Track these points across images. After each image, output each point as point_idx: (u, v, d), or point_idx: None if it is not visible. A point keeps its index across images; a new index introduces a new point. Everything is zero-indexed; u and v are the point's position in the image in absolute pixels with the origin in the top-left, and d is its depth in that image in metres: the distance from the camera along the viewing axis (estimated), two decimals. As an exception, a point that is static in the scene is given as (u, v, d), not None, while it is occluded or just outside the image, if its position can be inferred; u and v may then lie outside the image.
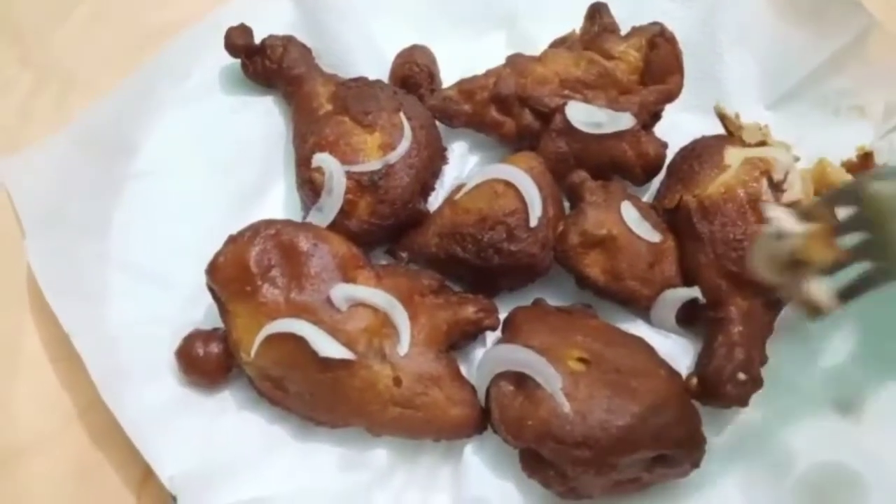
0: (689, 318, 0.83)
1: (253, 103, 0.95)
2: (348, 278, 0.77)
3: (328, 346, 0.73)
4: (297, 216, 0.86)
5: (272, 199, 0.91)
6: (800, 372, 0.80)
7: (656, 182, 0.90)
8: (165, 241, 0.85)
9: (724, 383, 0.75)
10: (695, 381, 0.77)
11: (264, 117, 0.94)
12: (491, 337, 0.83)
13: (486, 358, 0.77)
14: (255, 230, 0.77)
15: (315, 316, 0.75)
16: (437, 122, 0.90)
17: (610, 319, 0.82)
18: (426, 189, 0.90)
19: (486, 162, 0.91)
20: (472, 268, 0.85)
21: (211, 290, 0.78)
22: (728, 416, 0.79)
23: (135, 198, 0.88)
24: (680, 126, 0.90)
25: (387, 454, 0.77)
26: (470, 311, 0.80)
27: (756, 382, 0.76)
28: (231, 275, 0.76)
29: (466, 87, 0.90)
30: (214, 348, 0.78)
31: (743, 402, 0.76)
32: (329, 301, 0.76)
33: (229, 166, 0.91)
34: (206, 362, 0.78)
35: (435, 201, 0.89)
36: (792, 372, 0.80)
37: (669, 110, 0.90)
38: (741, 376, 0.75)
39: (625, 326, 0.82)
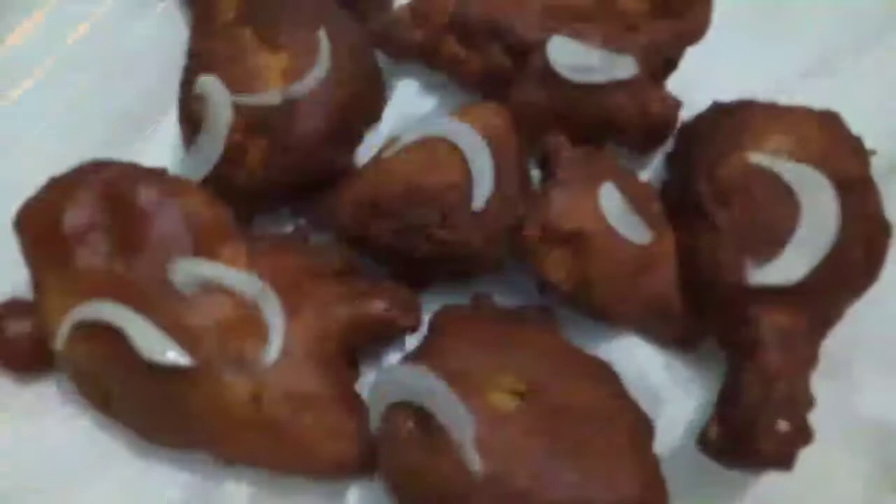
0: (693, 334, 0.65)
1: (151, 5, 0.79)
2: (205, 251, 0.58)
3: (155, 346, 0.55)
4: (184, 159, 0.70)
5: (160, 134, 0.74)
6: (836, 420, 0.63)
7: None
8: (6, 179, 0.67)
9: (758, 436, 0.56)
10: (714, 432, 0.59)
11: (162, 25, 0.78)
12: (413, 340, 0.66)
13: (379, 380, 0.59)
14: (81, 174, 0.59)
15: (146, 301, 0.56)
16: (380, 53, 0.74)
17: (577, 329, 0.66)
18: (350, 137, 0.70)
19: (440, 111, 0.75)
20: (395, 252, 0.66)
21: (22, 249, 0.59)
22: (731, 486, 0.62)
23: (-29, 117, 0.74)
24: (704, 80, 0.73)
25: (247, 489, 0.62)
26: (379, 306, 0.62)
27: (803, 434, 0.57)
28: (40, 231, 0.58)
29: (421, 9, 0.72)
30: (26, 327, 0.60)
31: (786, 462, 0.57)
32: (170, 282, 0.56)
33: (108, 86, 0.75)
34: (15, 344, 0.61)
35: (368, 154, 0.71)
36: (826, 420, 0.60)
37: (691, 57, 0.71)
38: (783, 426, 0.56)
39: (594, 344, 0.66)
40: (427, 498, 0.53)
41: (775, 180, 0.61)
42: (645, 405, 0.60)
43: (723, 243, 0.61)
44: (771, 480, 0.61)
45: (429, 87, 0.76)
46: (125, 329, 0.55)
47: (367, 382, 0.63)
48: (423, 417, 0.55)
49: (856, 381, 0.65)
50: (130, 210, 0.58)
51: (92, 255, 0.57)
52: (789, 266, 0.58)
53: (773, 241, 0.60)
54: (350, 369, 0.62)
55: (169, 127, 0.74)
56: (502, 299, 0.67)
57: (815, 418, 0.59)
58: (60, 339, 0.57)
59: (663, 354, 0.66)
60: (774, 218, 0.60)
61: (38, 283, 0.59)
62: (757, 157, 0.62)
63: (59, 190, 0.58)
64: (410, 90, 0.76)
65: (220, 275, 0.57)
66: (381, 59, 0.74)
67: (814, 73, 0.77)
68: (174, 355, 0.55)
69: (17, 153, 0.72)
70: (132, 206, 0.58)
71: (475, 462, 0.52)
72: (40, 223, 0.58)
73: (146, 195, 0.58)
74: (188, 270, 0.57)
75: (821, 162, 0.62)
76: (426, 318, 0.65)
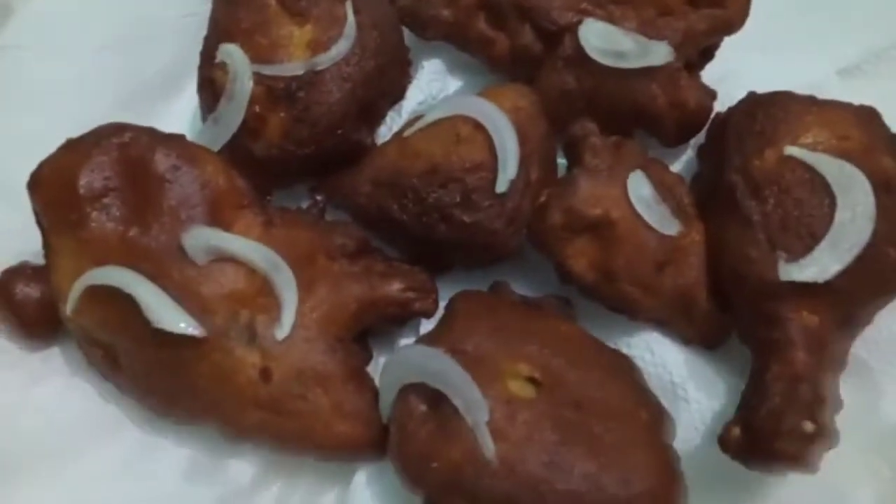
0: (717, 332, 0.63)
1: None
2: (220, 220, 0.57)
3: (166, 314, 0.54)
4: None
5: (180, 101, 0.75)
6: (859, 425, 0.60)
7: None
8: (20, 140, 0.67)
9: (782, 436, 0.55)
10: (737, 431, 0.57)
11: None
12: (427, 326, 0.64)
13: (393, 360, 0.57)
14: (98, 136, 0.58)
15: (158, 267, 0.55)
16: (406, 30, 0.72)
17: (597, 323, 0.64)
18: (372, 113, 0.69)
19: (466, 92, 0.73)
20: (412, 234, 0.64)
21: (35, 211, 0.57)
22: (752, 487, 0.60)
23: (-10, 78, 0.73)
24: (740, 72, 0.71)
25: (252, 467, 0.61)
26: (395, 287, 0.61)
27: (828, 436, 0.56)
28: (55, 194, 0.57)
29: (452, -13, 0.71)
30: (34, 292, 0.59)
31: (808, 464, 0.55)
32: (183, 250, 0.55)
33: (129, 50, 0.75)
34: (24, 308, 0.60)
35: (389, 134, 0.70)
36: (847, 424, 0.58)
37: (727, 48, 0.70)
38: (808, 427, 0.55)
39: (614, 338, 0.64)
40: (438, 481, 0.52)
41: (811, 174, 0.59)
42: (665, 402, 0.59)
43: (754, 237, 0.59)
44: (792, 482, 0.59)
45: (455, 67, 0.74)
46: (136, 295, 0.53)
47: (378, 366, 0.61)
48: (436, 400, 0.53)
49: (879, 386, 0.63)
50: (146, 175, 0.57)
51: (106, 220, 0.56)
52: (821, 264, 0.57)
53: (806, 237, 0.57)
54: (362, 351, 0.61)
55: (190, 94, 0.73)
56: (521, 289, 0.65)
57: (838, 423, 0.57)
58: (70, 303, 0.56)
59: (685, 351, 0.64)
60: (808, 213, 0.58)
61: (49, 247, 0.58)
62: (793, 150, 0.60)
63: (76, 151, 0.57)
64: (436, 69, 0.74)
65: (233, 245, 0.56)
66: (409, 37, 0.72)
67: (851, 72, 0.75)
68: (185, 324, 0.54)
69: (35, 114, 0.71)
70: (148, 171, 0.57)
71: (489, 447, 0.51)
72: (55, 185, 0.57)
73: (163, 161, 0.57)
74: (202, 239, 0.56)
75: (859, 158, 0.60)
76: (442, 304, 0.63)
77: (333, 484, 0.61)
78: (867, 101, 0.65)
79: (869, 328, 0.62)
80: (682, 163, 0.71)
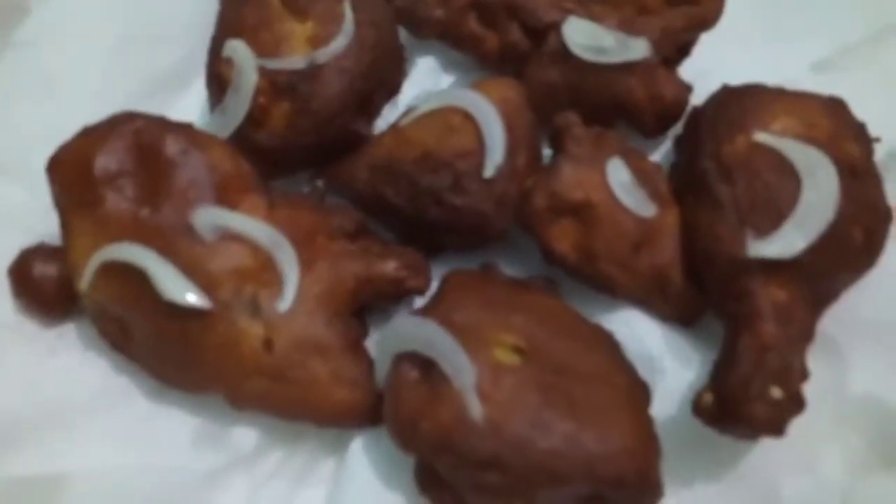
0: (692, 310, 0.66)
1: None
2: (226, 202, 0.60)
3: (175, 287, 0.57)
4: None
5: (188, 95, 0.77)
6: (827, 396, 0.63)
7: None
8: (39, 131, 0.68)
9: (751, 401, 0.57)
10: (709, 397, 0.59)
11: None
12: (420, 304, 0.66)
13: (388, 330, 0.60)
14: (113, 124, 0.61)
15: (169, 245, 0.58)
16: (402, 29, 0.76)
17: (580, 302, 0.66)
18: (369, 106, 0.72)
19: (458, 86, 0.75)
20: (406, 217, 0.67)
21: (53, 193, 0.61)
22: (725, 453, 0.62)
23: (9, 73, 0.75)
24: (716, 69, 0.73)
25: (255, 434, 0.64)
26: (390, 266, 0.64)
27: (796, 402, 0.58)
28: (72, 176, 0.60)
29: (444, -12, 0.74)
30: (52, 270, 0.62)
31: (777, 428, 0.57)
32: (192, 228, 0.58)
33: (141, 45, 0.77)
34: (41, 286, 0.63)
35: (385, 126, 0.73)
36: (817, 395, 0.60)
37: (704, 45, 0.73)
38: (776, 392, 0.57)
39: (596, 316, 0.66)
40: (429, 442, 0.55)
41: (779, 159, 0.62)
42: (643, 374, 0.61)
43: (724, 218, 0.62)
44: (763, 448, 0.61)
45: (448, 64, 0.77)
46: (148, 270, 0.56)
47: (375, 341, 0.63)
48: (427, 367, 0.56)
49: (846, 360, 0.65)
50: (158, 159, 0.60)
51: (120, 200, 0.59)
52: (788, 240, 0.59)
53: (773, 217, 0.60)
54: (360, 326, 0.64)
55: (198, 89, 0.75)
56: (509, 270, 0.67)
57: (806, 393, 0.59)
58: (86, 279, 0.59)
59: (663, 327, 0.66)
60: (776, 195, 0.61)
61: (66, 226, 0.61)
62: (762, 137, 0.63)
63: (92, 137, 0.60)
64: (430, 66, 0.77)
65: (239, 224, 0.59)
66: (404, 35, 0.75)
67: (823, 67, 0.77)
68: (193, 297, 0.57)
69: (52, 106, 0.73)
70: (159, 155, 0.60)
71: (475, 408, 0.53)
72: (72, 168, 0.60)
73: (173, 145, 0.60)
74: (210, 218, 0.59)
75: (824, 145, 0.63)
76: (434, 283, 0.65)
77: (332, 451, 0.63)
78: (839, 94, 0.67)
79: (837, 307, 0.64)
80: (661, 153, 0.74)
